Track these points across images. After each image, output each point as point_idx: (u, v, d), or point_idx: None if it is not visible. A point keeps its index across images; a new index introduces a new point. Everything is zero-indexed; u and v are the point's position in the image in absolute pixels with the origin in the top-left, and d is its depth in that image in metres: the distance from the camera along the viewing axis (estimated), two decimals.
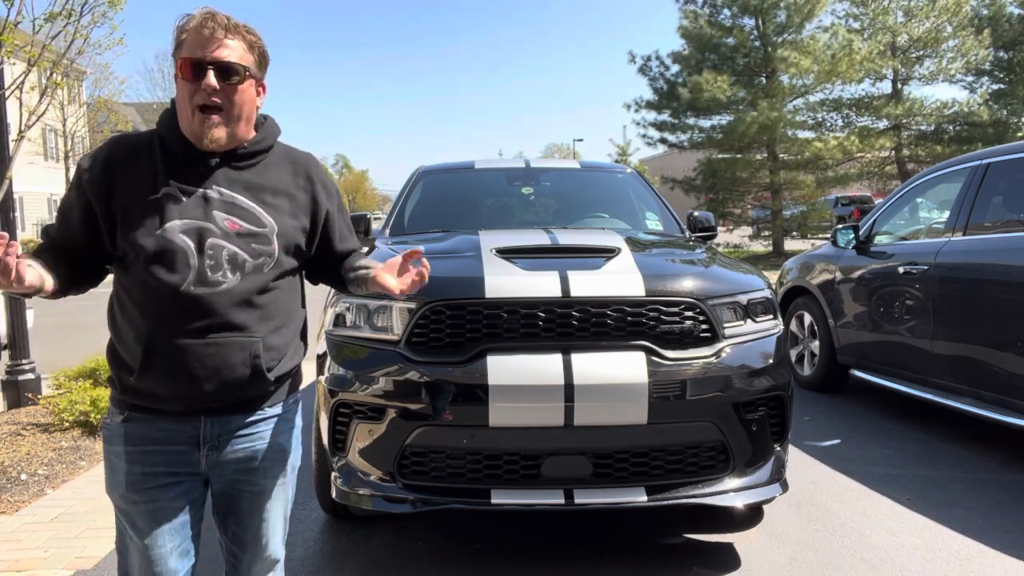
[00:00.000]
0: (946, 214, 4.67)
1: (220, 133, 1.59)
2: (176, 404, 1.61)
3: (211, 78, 1.55)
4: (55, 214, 1.66)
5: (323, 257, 1.83)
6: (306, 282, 1.88)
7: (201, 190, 1.61)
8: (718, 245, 18.33)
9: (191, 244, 1.57)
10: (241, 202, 1.64)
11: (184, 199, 1.59)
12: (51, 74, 5.78)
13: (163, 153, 1.62)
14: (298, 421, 1.84)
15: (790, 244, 21.67)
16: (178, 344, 1.55)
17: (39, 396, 5.54)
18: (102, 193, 1.58)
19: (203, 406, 1.62)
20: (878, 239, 5.30)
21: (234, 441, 1.68)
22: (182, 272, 1.56)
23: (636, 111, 22.63)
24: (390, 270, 1.75)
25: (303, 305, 1.82)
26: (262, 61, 1.66)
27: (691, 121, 21.96)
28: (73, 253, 1.63)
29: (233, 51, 1.58)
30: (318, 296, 3.21)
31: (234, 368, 1.61)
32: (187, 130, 1.60)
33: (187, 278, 1.56)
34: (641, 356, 2.68)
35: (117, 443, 1.64)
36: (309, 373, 4.03)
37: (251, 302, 1.63)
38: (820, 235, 20.74)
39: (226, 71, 1.57)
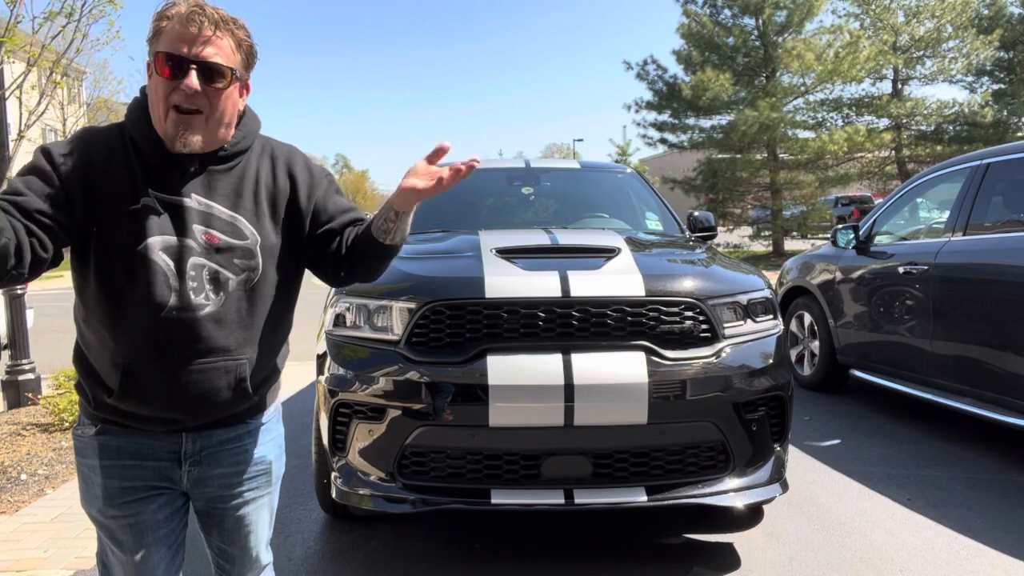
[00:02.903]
0: (946, 214, 4.67)
1: (196, 139, 1.44)
2: (156, 426, 1.54)
3: (193, 79, 1.40)
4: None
5: (329, 241, 1.64)
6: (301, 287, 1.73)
7: (178, 199, 1.47)
8: (718, 245, 18.33)
9: (171, 264, 1.44)
10: (219, 212, 1.50)
11: (162, 211, 1.45)
12: (51, 73, 5.78)
13: (138, 155, 1.47)
14: (281, 429, 1.76)
15: (790, 244, 21.65)
16: (160, 372, 1.46)
17: (39, 396, 5.54)
18: (80, 192, 1.42)
19: (184, 427, 1.56)
20: (878, 239, 5.30)
21: (218, 456, 1.60)
22: (162, 295, 1.43)
23: (636, 111, 22.64)
24: (417, 175, 1.50)
25: (292, 314, 1.71)
26: (249, 60, 1.52)
27: (691, 121, 21.97)
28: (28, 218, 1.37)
29: (220, 50, 1.43)
30: (318, 296, 3.21)
31: (219, 392, 1.52)
32: (159, 128, 1.44)
33: (168, 302, 1.43)
34: (641, 356, 2.68)
35: (91, 456, 1.55)
36: (309, 373, 4.04)
37: (236, 323, 1.51)
38: (820, 235, 20.73)
39: (210, 72, 1.42)
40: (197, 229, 1.47)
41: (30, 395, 5.48)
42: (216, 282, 1.48)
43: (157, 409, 1.50)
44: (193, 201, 1.48)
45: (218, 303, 1.48)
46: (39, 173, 1.41)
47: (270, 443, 1.70)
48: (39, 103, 5.54)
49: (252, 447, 1.65)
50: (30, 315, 5.76)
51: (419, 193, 1.50)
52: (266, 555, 1.78)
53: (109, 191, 1.43)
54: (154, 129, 1.46)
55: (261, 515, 1.72)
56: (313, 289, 1.86)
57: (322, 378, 2.94)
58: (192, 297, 1.45)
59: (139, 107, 1.51)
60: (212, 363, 1.49)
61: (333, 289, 3.13)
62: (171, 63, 1.40)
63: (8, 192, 1.38)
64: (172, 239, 1.45)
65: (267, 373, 1.64)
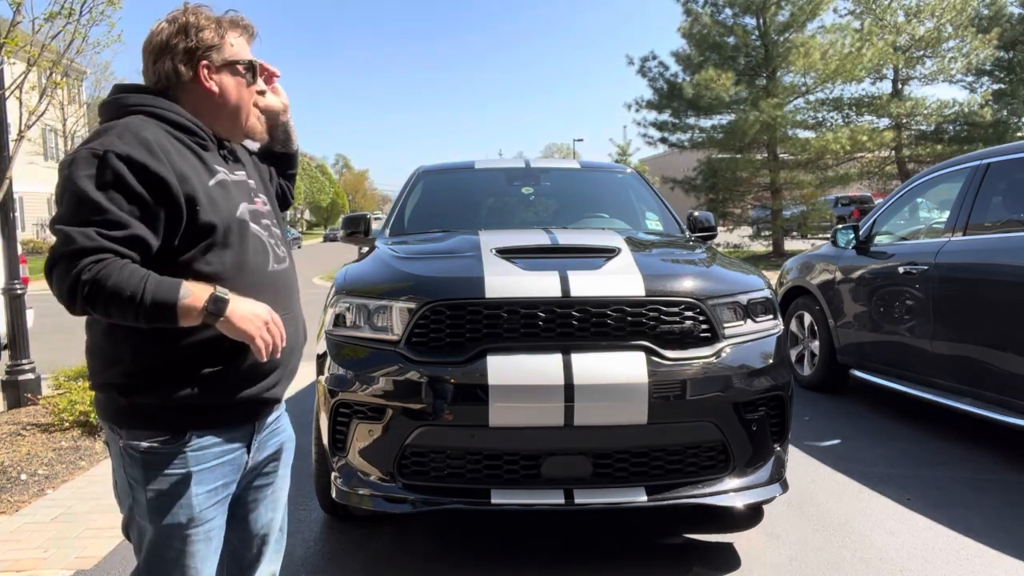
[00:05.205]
0: (946, 214, 4.67)
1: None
2: (261, 385, 1.59)
3: (261, 81, 1.71)
4: (93, 219, 1.38)
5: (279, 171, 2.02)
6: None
7: (234, 176, 1.65)
8: (718, 245, 18.32)
9: (257, 226, 1.62)
10: (253, 184, 1.72)
11: (232, 183, 1.62)
12: (51, 74, 5.77)
13: (190, 139, 1.58)
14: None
15: (790, 244, 21.65)
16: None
17: (39, 396, 5.53)
18: (175, 176, 1.46)
19: (280, 383, 1.65)
20: (878, 239, 5.30)
21: (267, 437, 1.73)
22: (264, 253, 1.62)
23: (636, 111, 22.67)
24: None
25: None
26: None
27: (691, 121, 21.97)
28: (142, 253, 1.43)
29: None
30: (319, 295, 3.21)
31: (301, 338, 1.73)
32: (242, 128, 1.67)
33: (269, 258, 1.63)
34: (641, 356, 2.68)
35: (178, 466, 1.51)
36: (309, 373, 4.03)
37: (295, 275, 1.76)
38: (820, 235, 20.71)
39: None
40: (253, 197, 1.67)
41: (30, 395, 5.47)
42: (282, 239, 1.72)
43: (272, 364, 1.59)
44: (240, 176, 1.68)
45: (289, 257, 1.73)
46: (135, 193, 1.41)
47: (288, 421, 1.86)
48: (39, 103, 5.53)
49: (286, 426, 1.82)
50: (30, 315, 5.75)
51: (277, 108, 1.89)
52: (282, 539, 1.86)
53: (191, 171, 1.52)
54: (193, 119, 1.59)
55: (284, 492, 1.84)
56: (313, 289, 1.92)
57: (322, 378, 2.94)
58: (278, 252, 1.67)
59: (165, 99, 1.59)
60: (295, 311, 1.71)
61: (333, 289, 3.13)
62: (253, 70, 1.67)
63: (126, 239, 1.39)
64: (250, 205, 1.63)
65: None
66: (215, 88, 1.62)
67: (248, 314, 1.44)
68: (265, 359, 1.47)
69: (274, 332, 1.47)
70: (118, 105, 1.57)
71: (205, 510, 1.55)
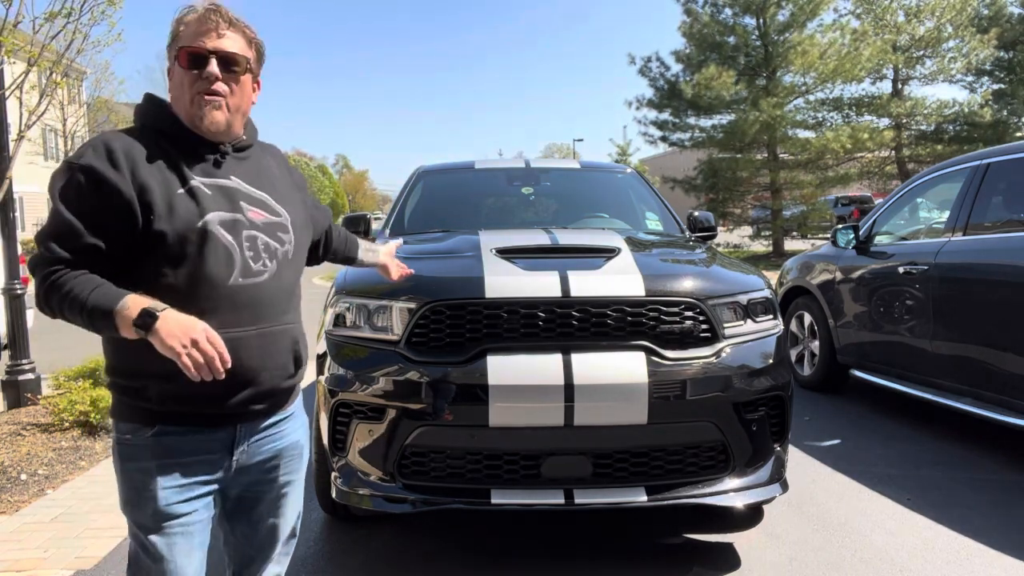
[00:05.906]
0: (946, 214, 4.67)
1: (220, 116, 1.59)
2: (222, 404, 1.56)
3: (214, 66, 1.57)
4: (57, 231, 1.47)
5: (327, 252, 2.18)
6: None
7: (222, 181, 1.60)
8: (718, 245, 18.32)
9: (229, 237, 1.56)
10: (255, 192, 1.66)
11: (209, 192, 1.57)
12: (51, 74, 5.77)
13: (172, 146, 1.58)
14: (305, 417, 1.88)
15: (790, 244, 21.64)
16: (230, 337, 1.50)
17: (39, 396, 5.53)
18: (133, 186, 1.49)
19: (249, 402, 1.60)
20: (878, 239, 5.30)
21: (262, 442, 1.70)
22: (228, 265, 1.55)
23: (637, 109, 22.66)
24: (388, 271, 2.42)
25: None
26: (260, 58, 1.70)
27: (692, 120, 21.97)
28: (103, 262, 1.50)
29: (235, 43, 1.61)
30: (319, 295, 3.21)
31: (280, 356, 1.65)
32: (186, 117, 1.59)
33: (234, 271, 1.56)
34: (641, 356, 2.68)
35: (145, 459, 1.56)
36: (309, 373, 4.03)
37: (286, 290, 1.68)
38: (820, 235, 20.71)
39: (228, 62, 1.59)
40: (243, 206, 1.62)
41: (30, 395, 5.47)
42: (269, 252, 1.64)
43: (229, 378, 1.51)
44: (234, 182, 1.63)
45: (273, 271, 1.64)
46: (92, 204, 1.48)
47: (301, 428, 1.83)
48: (39, 103, 5.52)
49: (290, 432, 1.77)
50: (30, 315, 5.75)
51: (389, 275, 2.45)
52: (291, 543, 1.85)
53: (158, 180, 1.52)
54: (182, 122, 1.60)
55: (294, 499, 1.82)
56: (313, 289, 1.91)
57: (322, 378, 2.94)
58: (253, 265, 1.60)
59: (159, 106, 1.64)
60: (273, 327, 1.63)
61: (333, 289, 3.13)
62: (194, 56, 1.57)
63: (81, 249, 1.47)
64: (227, 215, 1.58)
65: (303, 341, 1.77)
66: (173, 83, 1.61)
67: (176, 330, 1.38)
68: (197, 378, 1.39)
69: (206, 350, 1.38)
70: (135, 111, 1.67)
71: (175, 504, 1.56)
